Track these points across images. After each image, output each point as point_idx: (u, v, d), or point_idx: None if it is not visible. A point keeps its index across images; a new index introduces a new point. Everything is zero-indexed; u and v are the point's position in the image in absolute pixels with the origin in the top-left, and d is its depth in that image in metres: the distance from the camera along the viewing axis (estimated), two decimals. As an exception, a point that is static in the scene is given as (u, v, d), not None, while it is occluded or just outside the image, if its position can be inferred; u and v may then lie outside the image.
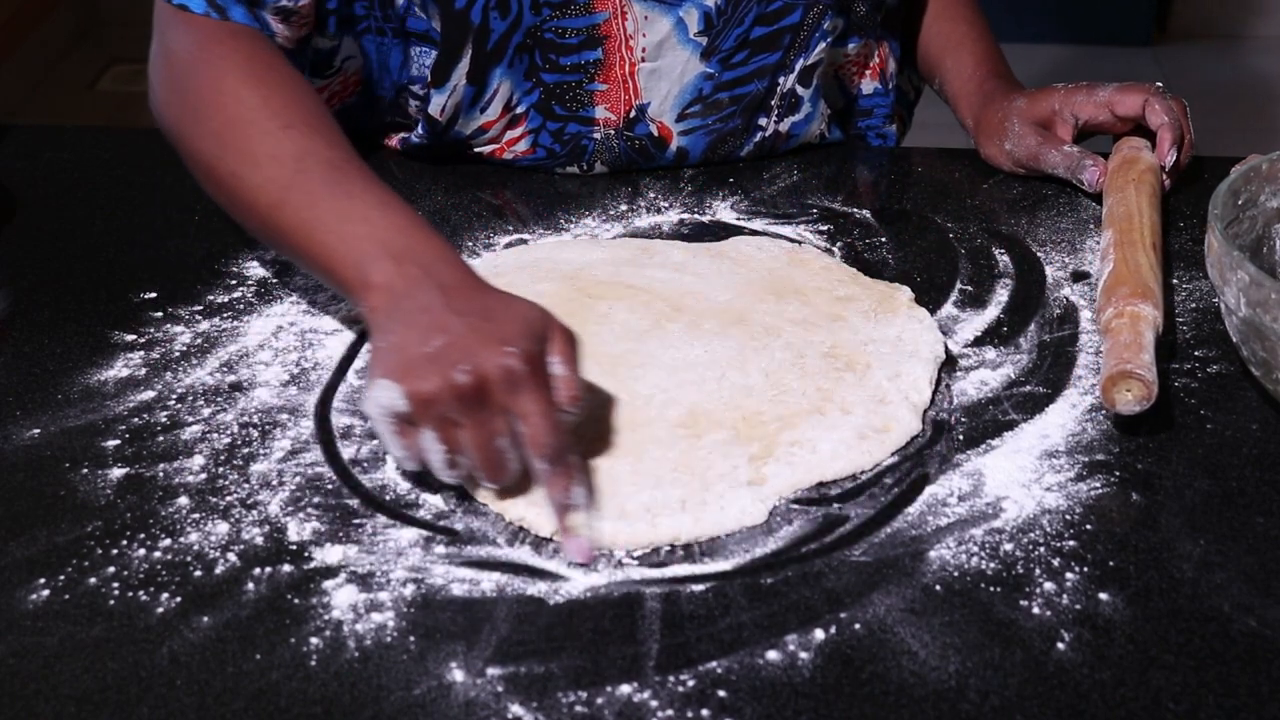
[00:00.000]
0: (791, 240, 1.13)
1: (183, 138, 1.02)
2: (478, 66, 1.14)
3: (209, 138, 0.99)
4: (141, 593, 0.81)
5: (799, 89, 1.21)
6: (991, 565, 0.82)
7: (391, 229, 0.90)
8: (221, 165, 0.98)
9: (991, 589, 0.80)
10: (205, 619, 0.79)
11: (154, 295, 1.07)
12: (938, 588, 0.80)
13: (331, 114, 1.01)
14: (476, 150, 1.22)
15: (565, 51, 1.15)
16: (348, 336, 1.02)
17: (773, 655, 0.76)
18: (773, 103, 1.21)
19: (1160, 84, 1.18)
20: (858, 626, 0.78)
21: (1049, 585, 0.80)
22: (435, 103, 1.17)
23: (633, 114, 1.19)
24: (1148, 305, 0.96)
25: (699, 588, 0.81)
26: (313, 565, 0.82)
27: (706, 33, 1.16)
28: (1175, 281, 1.07)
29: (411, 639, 0.78)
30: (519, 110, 1.18)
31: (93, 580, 0.82)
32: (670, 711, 0.73)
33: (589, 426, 0.91)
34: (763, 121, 1.22)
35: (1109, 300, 0.97)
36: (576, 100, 1.17)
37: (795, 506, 0.86)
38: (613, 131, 1.19)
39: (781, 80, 1.20)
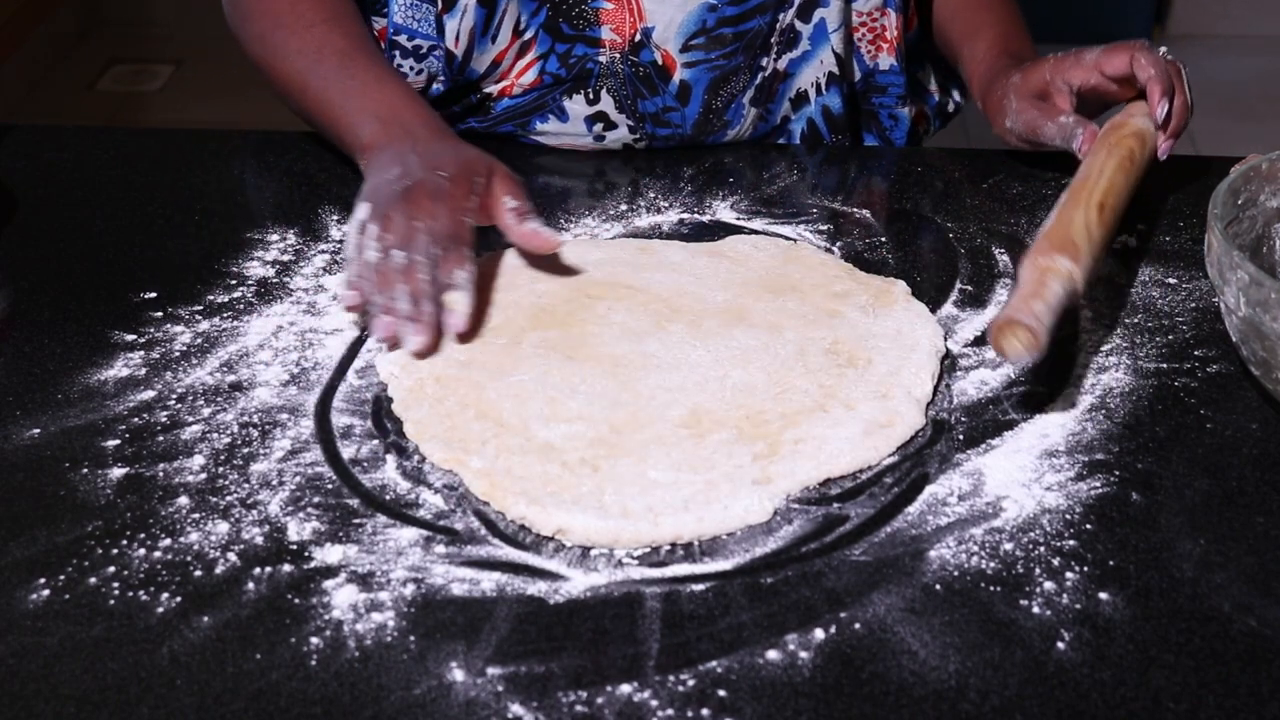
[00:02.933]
0: (788, 239, 1.13)
1: (240, 40, 1.23)
2: None
3: (255, 40, 1.21)
4: (141, 593, 0.81)
5: (798, 23, 1.24)
6: (991, 565, 0.82)
7: (383, 101, 1.13)
8: (264, 61, 1.20)
9: (991, 589, 0.80)
10: (205, 619, 0.79)
11: (154, 295, 1.07)
12: (938, 587, 0.80)
13: (357, 10, 1.21)
14: (486, 91, 1.25)
15: None
16: (348, 336, 1.02)
17: (773, 655, 0.76)
18: (773, 40, 1.23)
19: (1149, 41, 1.17)
20: (858, 626, 0.78)
21: (1049, 585, 0.80)
22: (449, 29, 1.21)
23: (638, 37, 1.21)
24: (1064, 259, 0.94)
25: (699, 587, 0.81)
26: (313, 565, 0.82)
27: None
28: (1175, 281, 1.07)
29: (411, 639, 0.78)
30: (527, 36, 1.21)
31: (93, 580, 0.82)
32: (670, 711, 0.73)
33: (591, 427, 0.91)
34: (764, 61, 1.24)
35: (1028, 253, 0.96)
36: (583, 18, 1.21)
37: (795, 506, 0.86)
38: (618, 55, 1.22)
39: (781, 16, 1.22)
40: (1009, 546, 0.83)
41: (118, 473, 0.90)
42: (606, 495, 0.85)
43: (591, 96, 1.24)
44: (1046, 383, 0.97)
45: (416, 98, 1.14)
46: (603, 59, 1.22)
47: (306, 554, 0.83)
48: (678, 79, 1.23)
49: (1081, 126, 1.13)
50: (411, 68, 1.24)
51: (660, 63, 1.22)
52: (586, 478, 0.87)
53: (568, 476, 0.87)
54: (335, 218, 1.16)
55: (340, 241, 1.13)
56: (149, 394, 0.97)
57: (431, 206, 1.00)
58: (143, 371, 0.99)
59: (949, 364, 0.99)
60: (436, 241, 0.98)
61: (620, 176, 1.21)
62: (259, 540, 0.84)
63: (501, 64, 1.23)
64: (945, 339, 1.01)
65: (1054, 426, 0.92)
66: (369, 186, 1.05)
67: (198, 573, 0.82)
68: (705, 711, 0.73)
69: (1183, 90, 1.14)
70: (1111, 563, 0.82)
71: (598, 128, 1.25)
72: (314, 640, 0.78)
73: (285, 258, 1.11)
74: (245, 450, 0.91)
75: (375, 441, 0.92)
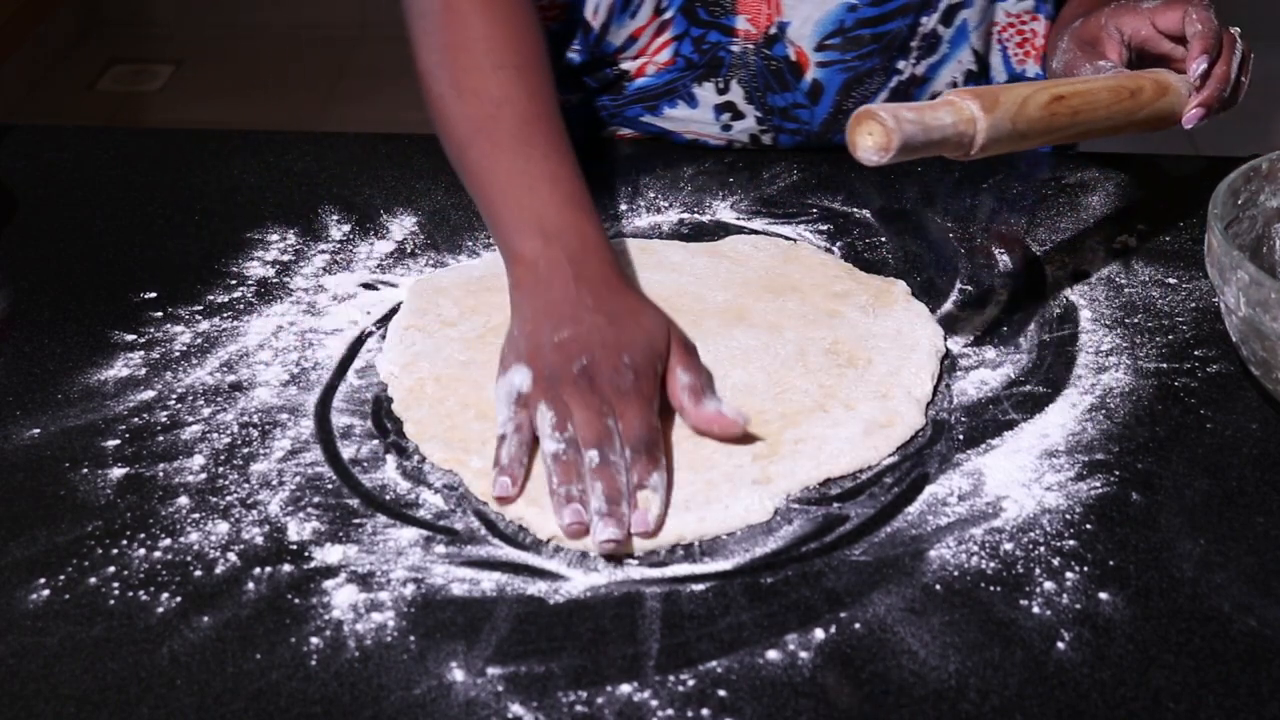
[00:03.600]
0: (788, 239, 1.13)
1: (413, 43, 1.06)
2: None
3: (432, 52, 1.04)
4: (141, 593, 0.81)
5: (940, 28, 1.22)
6: (991, 565, 0.82)
7: (553, 205, 0.96)
8: (434, 85, 1.03)
9: (991, 589, 0.80)
10: (205, 619, 0.79)
11: (154, 295, 1.07)
12: (938, 587, 0.80)
13: (547, 55, 1.05)
14: (622, 69, 1.24)
15: None
16: (348, 336, 1.02)
17: (773, 655, 0.76)
18: (913, 44, 1.22)
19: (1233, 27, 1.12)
20: (858, 626, 0.78)
21: (1049, 585, 0.80)
22: (590, 3, 1.20)
23: (772, 30, 1.20)
24: (973, 101, 0.91)
25: (699, 587, 0.81)
26: (313, 565, 0.82)
27: None
28: (1175, 281, 1.07)
29: (411, 639, 0.78)
30: (666, 15, 1.21)
31: (93, 580, 0.82)
32: (670, 711, 0.73)
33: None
34: (900, 65, 1.23)
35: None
36: (720, 5, 1.20)
37: (796, 506, 0.86)
38: (751, 47, 1.21)
39: (924, 20, 1.21)
40: (1009, 546, 0.83)
41: (118, 473, 0.90)
42: None
43: (721, 86, 1.23)
44: (1046, 383, 0.97)
45: (590, 211, 0.98)
46: (735, 49, 1.21)
47: (306, 554, 0.83)
48: (810, 77, 1.22)
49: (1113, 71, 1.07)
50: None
51: (793, 59, 1.21)
52: None
53: None
54: (335, 218, 1.16)
55: (341, 241, 1.13)
56: (149, 394, 0.97)
57: (621, 406, 0.86)
58: (143, 371, 0.99)
59: (949, 364, 0.99)
60: (629, 444, 0.85)
61: (620, 176, 1.21)
62: (259, 540, 0.84)
63: (639, 40, 1.23)
64: (945, 339, 1.01)
65: (1054, 426, 0.92)
66: (528, 341, 0.90)
67: (198, 573, 0.82)
68: (705, 711, 0.73)
69: (1228, 60, 1.08)
70: (1111, 563, 0.82)
71: (725, 117, 1.25)
72: (314, 640, 0.78)
73: (285, 258, 1.11)
74: (245, 450, 0.91)
75: (375, 441, 0.92)
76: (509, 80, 1.00)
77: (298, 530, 0.85)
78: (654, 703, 0.73)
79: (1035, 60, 1.26)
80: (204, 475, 0.89)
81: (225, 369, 0.99)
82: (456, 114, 1.01)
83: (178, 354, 1.01)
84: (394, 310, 1.05)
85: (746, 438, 0.89)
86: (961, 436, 0.92)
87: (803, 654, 0.76)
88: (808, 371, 0.96)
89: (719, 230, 1.14)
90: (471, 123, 1.00)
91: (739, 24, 1.21)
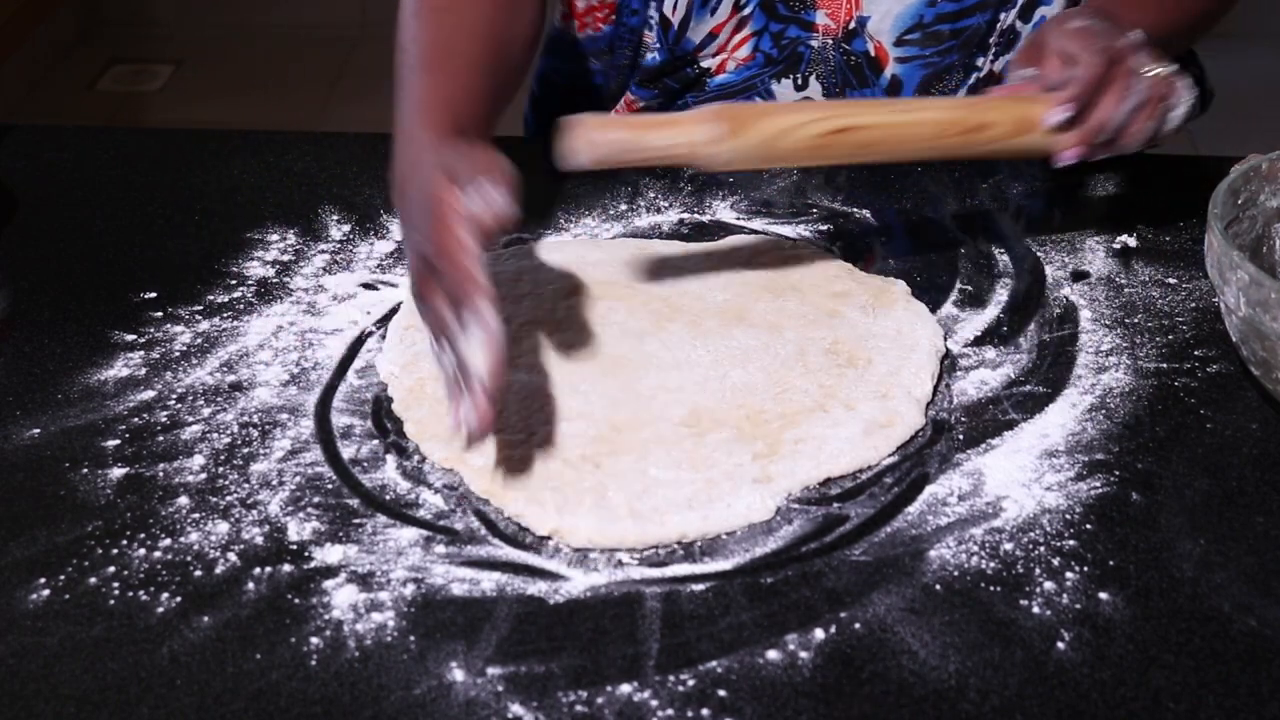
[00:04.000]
0: (788, 239, 1.13)
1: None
2: None
3: (401, 27, 1.06)
4: (141, 593, 0.81)
5: (1019, 24, 1.21)
6: (991, 565, 0.82)
7: (433, 88, 0.99)
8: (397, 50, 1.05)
9: (991, 589, 0.80)
10: (205, 619, 0.79)
11: (154, 295, 1.07)
12: (938, 587, 0.80)
13: (520, 33, 1.10)
14: (703, 66, 1.24)
15: None
16: (348, 336, 1.02)
17: (773, 655, 0.76)
18: (991, 40, 1.21)
19: (1147, 68, 1.00)
20: (858, 626, 0.78)
21: (1049, 585, 0.80)
22: (665, 2, 1.20)
23: (852, 25, 1.20)
24: (717, 124, 0.92)
25: (699, 587, 0.81)
26: (313, 565, 0.82)
27: None
28: (1175, 281, 1.07)
29: (411, 639, 0.78)
30: (746, 10, 1.21)
31: (93, 580, 0.82)
32: (670, 711, 0.73)
33: (592, 425, 0.91)
34: (980, 61, 1.22)
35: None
36: (800, 0, 1.19)
37: (796, 506, 0.86)
38: (830, 41, 1.21)
39: (1003, 16, 1.20)
40: (1009, 546, 0.83)
41: (118, 473, 0.90)
42: (609, 493, 0.85)
43: (800, 81, 1.23)
44: (1046, 383, 0.97)
45: (473, 89, 1.01)
46: (815, 44, 1.21)
47: (306, 554, 0.83)
48: (889, 73, 1.22)
49: (1017, 84, 1.02)
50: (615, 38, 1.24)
51: (873, 54, 1.21)
52: (588, 474, 0.87)
53: (569, 473, 0.87)
54: (335, 218, 1.16)
55: (341, 241, 1.13)
56: (149, 394, 0.97)
57: (427, 275, 0.86)
58: (143, 371, 0.99)
59: (949, 364, 0.99)
60: (451, 307, 0.84)
61: (620, 176, 1.21)
62: (259, 540, 0.84)
63: (718, 36, 1.22)
64: (945, 339, 1.01)
65: (1054, 426, 0.92)
66: (399, 205, 0.95)
67: (198, 573, 0.82)
68: (705, 711, 0.73)
69: (1111, 106, 0.98)
70: (1111, 563, 0.82)
71: None
72: (314, 640, 0.78)
73: (285, 258, 1.11)
74: (245, 450, 0.91)
75: (375, 441, 0.92)
76: (454, 22, 1.05)
77: (298, 530, 0.85)
78: (654, 703, 0.74)
79: None
80: (204, 475, 0.89)
81: (225, 369, 0.99)
82: (398, 55, 1.03)
83: (178, 354, 1.01)
84: (394, 310, 1.05)
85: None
86: (961, 436, 0.92)
87: (803, 654, 0.76)
88: (807, 371, 0.96)
89: (719, 230, 1.14)
90: (404, 58, 1.03)
91: (819, 19, 1.20)
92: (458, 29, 1.06)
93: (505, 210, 0.87)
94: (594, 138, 0.90)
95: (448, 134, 0.95)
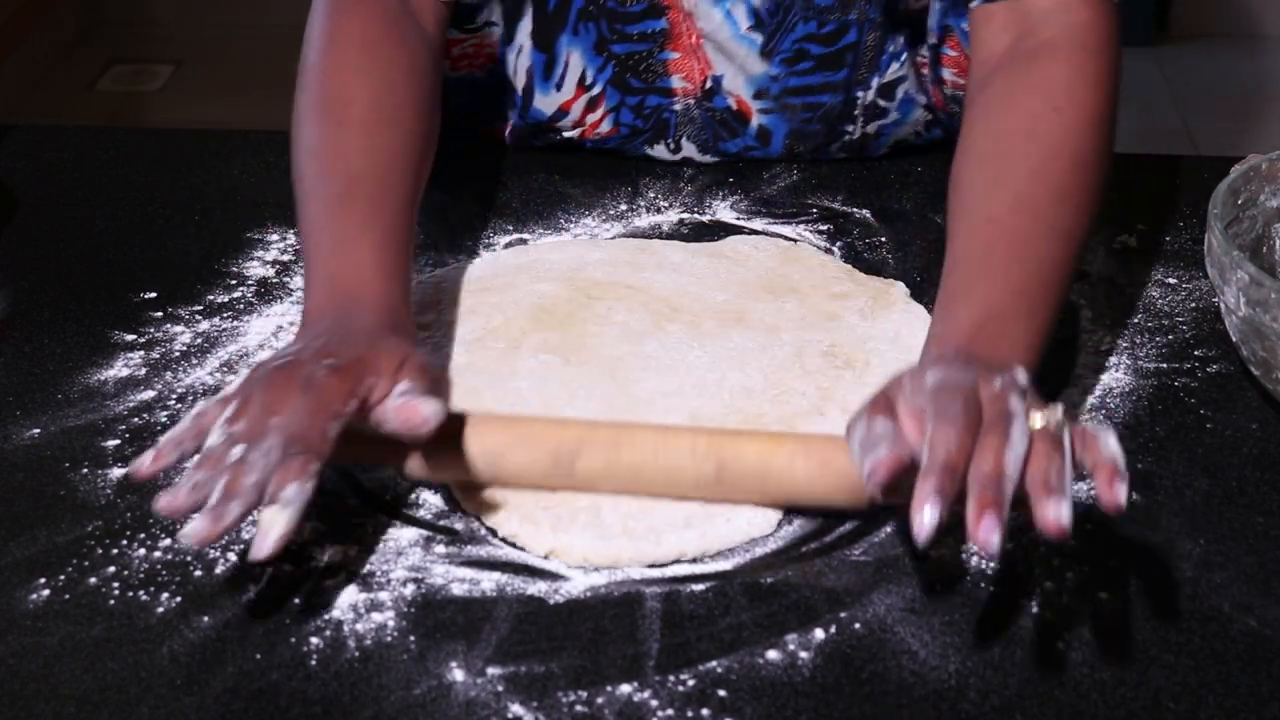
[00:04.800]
0: (789, 239, 1.13)
1: (298, 80, 1.02)
2: (540, 29, 1.15)
3: (294, 115, 1.00)
4: (141, 593, 0.81)
5: (881, 101, 1.18)
6: (991, 565, 0.82)
7: (349, 263, 0.91)
8: (292, 144, 1.00)
9: (991, 589, 0.80)
10: (205, 619, 0.79)
11: (154, 295, 1.07)
12: (938, 587, 0.80)
13: (414, 112, 1.01)
14: (565, 136, 1.22)
15: (630, 20, 1.15)
16: (348, 336, 1.02)
17: (773, 655, 0.76)
18: (855, 113, 1.19)
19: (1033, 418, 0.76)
20: (858, 626, 0.78)
21: (1049, 585, 0.80)
22: (509, 61, 1.18)
23: (708, 84, 1.18)
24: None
25: (699, 587, 0.81)
26: (313, 565, 0.82)
27: (759, 29, 1.14)
28: (1175, 281, 1.07)
29: (411, 639, 0.78)
30: (595, 91, 1.19)
31: (93, 580, 0.82)
32: (670, 711, 0.73)
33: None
34: (848, 129, 1.20)
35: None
36: (651, 71, 1.17)
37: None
38: (692, 101, 1.19)
39: (860, 95, 1.17)
40: (1009, 546, 0.83)
41: (118, 473, 0.90)
42: (604, 512, 0.85)
43: (673, 145, 1.21)
44: (1046, 383, 0.96)
45: (388, 267, 0.92)
46: (678, 106, 1.19)
47: (306, 554, 0.83)
48: (755, 123, 1.19)
49: (874, 458, 0.74)
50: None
51: (735, 108, 1.18)
52: (582, 494, 0.86)
53: (562, 492, 0.86)
54: (335, 218, 1.16)
55: (340, 241, 1.13)
56: (149, 394, 0.97)
57: (296, 401, 0.78)
58: (143, 371, 0.99)
59: (949, 364, 0.99)
60: (283, 445, 0.77)
61: (620, 177, 1.21)
62: (259, 540, 0.84)
63: (570, 112, 1.20)
64: (945, 339, 1.00)
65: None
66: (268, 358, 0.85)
67: (198, 573, 0.82)
68: (705, 711, 0.73)
69: (991, 459, 0.72)
70: (1111, 563, 0.82)
71: (687, 171, 1.23)
72: (314, 640, 0.78)
73: (285, 258, 1.11)
74: (245, 450, 0.91)
75: (375, 441, 0.92)
76: (351, 138, 0.97)
77: (298, 530, 0.85)
78: (654, 703, 0.74)
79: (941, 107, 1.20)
80: (204, 475, 0.89)
81: (225, 369, 0.99)
82: (299, 165, 0.98)
83: (178, 354, 1.01)
84: (394, 310, 1.04)
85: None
86: (961, 436, 0.92)
87: (803, 654, 0.76)
88: (805, 374, 0.96)
89: (719, 230, 1.14)
90: (308, 175, 0.97)
91: (675, 83, 1.18)
92: (394, 158, 0.98)
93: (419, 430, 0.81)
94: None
95: (386, 321, 0.88)
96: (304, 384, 0.79)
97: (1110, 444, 0.75)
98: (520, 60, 1.18)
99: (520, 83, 1.20)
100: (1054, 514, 0.71)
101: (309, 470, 0.76)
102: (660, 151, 1.22)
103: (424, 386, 0.81)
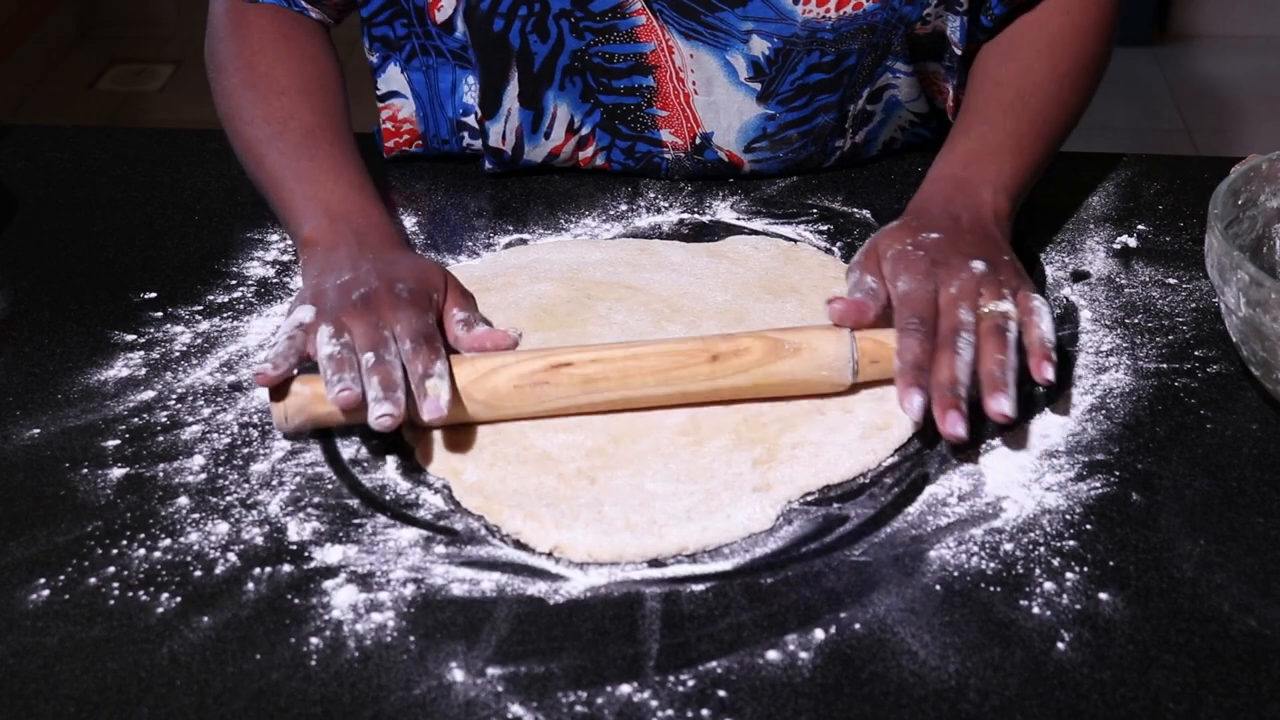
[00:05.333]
0: (789, 239, 1.13)
1: (213, 91, 1.15)
2: (528, 90, 1.14)
3: (223, 95, 1.13)
4: (141, 593, 0.81)
5: (869, 107, 1.18)
6: (991, 565, 0.82)
7: (336, 194, 1.04)
8: (229, 120, 1.13)
9: (991, 589, 0.80)
10: (205, 619, 0.79)
11: (154, 295, 1.07)
12: (938, 588, 0.80)
13: (337, 80, 1.14)
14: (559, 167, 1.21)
15: (616, 75, 1.14)
16: (348, 336, 1.02)
17: (773, 655, 0.76)
18: (845, 126, 1.18)
19: (984, 306, 0.91)
20: (858, 626, 0.78)
21: (1049, 585, 0.80)
22: (494, 132, 1.17)
23: (698, 141, 1.17)
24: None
25: (699, 588, 0.81)
26: (313, 565, 0.82)
27: (758, 79, 1.13)
28: (1175, 281, 1.07)
29: (411, 639, 0.78)
30: (584, 131, 1.18)
31: (93, 580, 0.82)
32: (670, 711, 0.73)
33: (589, 435, 0.91)
34: (839, 143, 1.19)
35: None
36: (639, 122, 1.16)
37: (795, 506, 0.86)
38: (683, 154, 1.18)
39: (851, 107, 1.17)
40: (1009, 547, 0.83)
41: (118, 473, 0.90)
42: (606, 508, 0.85)
43: (667, 179, 1.20)
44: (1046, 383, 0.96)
45: (374, 196, 1.05)
46: (668, 156, 1.18)
47: (306, 554, 0.83)
48: (748, 170, 1.19)
49: (848, 303, 0.93)
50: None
51: (726, 161, 1.18)
52: (584, 490, 0.86)
53: (564, 489, 0.87)
54: (335, 218, 1.16)
55: (340, 241, 1.13)
56: (149, 394, 0.97)
57: (394, 314, 0.91)
58: (143, 371, 0.99)
59: (949, 364, 0.99)
60: (411, 343, 0.89)
61: (620, 177, 1.21)
62: (259, 540, 0.84)
63: (560, 155, 1.19)
64: (945, 339, 1.01)
65: (1054, 426, 0.92)
66: (311, 288, 0.96)
67: (198, 573, 0.82)
68: (705, 711, 0.73)
69: (948, 366, 0.88)
70: (1111, 563, 0.82)
71: None
72: (314, 640, 0.78)
73: (285, 258, 1.11)
74: (245, 450, 0.91)
75: (375, 441, 0.92)
76: (291, 102, 1.10)
77: (298, 530, 0.85)
78: (654, 703, 0.74)
79: (950, 112, 1.20)
80: (204, 475, 0.89)
81: (225, 369, 0.99)
82: (248, 138, 1.10)
83: (178, 354, 1.01)
84: (394, 310, 1.04)
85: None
86: (961, 436, 0.92)
87: (803, 654, 0.76)
88: (807, 372, 0.96)
89: (719, 230, 1.14)
90: (261, 142, 1.09)
91: (664, 136, 1.17)
92: (330, 113, 1.12)
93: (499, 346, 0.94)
94: (283, 416, 0.89)
95: (401, 242, 1.03)
96: (395, 303, 0.92)
97: (1043, 327, 0.91)
98: (508, 125, 1.17)
99: (509, 145, 1.18)
100: (996, 407, 0.87)
101: (440, 354, 0.89)
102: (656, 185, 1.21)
103: (474, 311, 0.97)
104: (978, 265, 0.93)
